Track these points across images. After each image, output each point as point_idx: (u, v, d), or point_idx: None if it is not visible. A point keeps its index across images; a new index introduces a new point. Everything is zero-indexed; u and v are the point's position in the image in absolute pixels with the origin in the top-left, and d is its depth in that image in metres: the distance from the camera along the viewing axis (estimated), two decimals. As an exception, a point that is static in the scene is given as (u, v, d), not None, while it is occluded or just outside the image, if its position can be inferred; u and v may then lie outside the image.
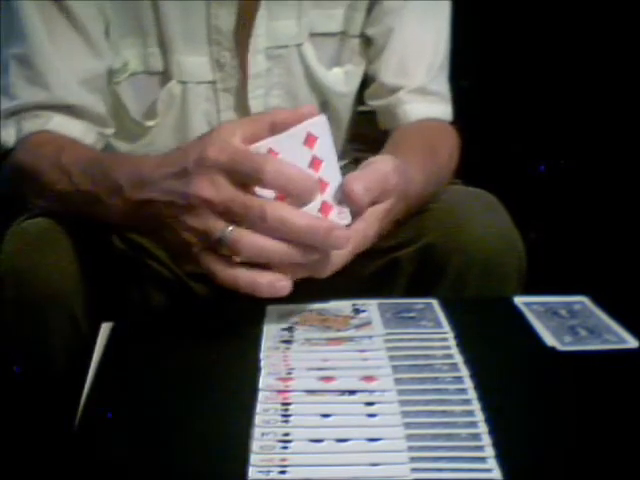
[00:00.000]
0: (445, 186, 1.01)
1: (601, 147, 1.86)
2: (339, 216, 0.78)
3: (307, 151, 0.77)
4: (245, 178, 0.75)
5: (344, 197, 0.77)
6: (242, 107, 1.05)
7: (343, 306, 0.85)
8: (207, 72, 1.03)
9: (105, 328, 0.83)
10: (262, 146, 0.76)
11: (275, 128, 0.76)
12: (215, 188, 0.75)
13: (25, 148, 0.97)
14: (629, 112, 1.85)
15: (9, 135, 0.98)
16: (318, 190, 0.77)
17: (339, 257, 0.79)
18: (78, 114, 0.99)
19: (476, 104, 1.10)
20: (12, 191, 0.99)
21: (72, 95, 0.99)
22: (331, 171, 0.78)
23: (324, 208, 0.78)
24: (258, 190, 0.76)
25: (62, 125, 0.98)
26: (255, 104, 1.05)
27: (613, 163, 1.84)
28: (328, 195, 0.78)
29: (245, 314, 0.85)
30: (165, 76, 1.03)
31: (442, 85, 1.11)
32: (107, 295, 0.91)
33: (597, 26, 1.85)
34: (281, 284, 0.77)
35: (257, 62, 1.04)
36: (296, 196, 0.76)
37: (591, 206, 1.81)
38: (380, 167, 0.82)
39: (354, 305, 0.85)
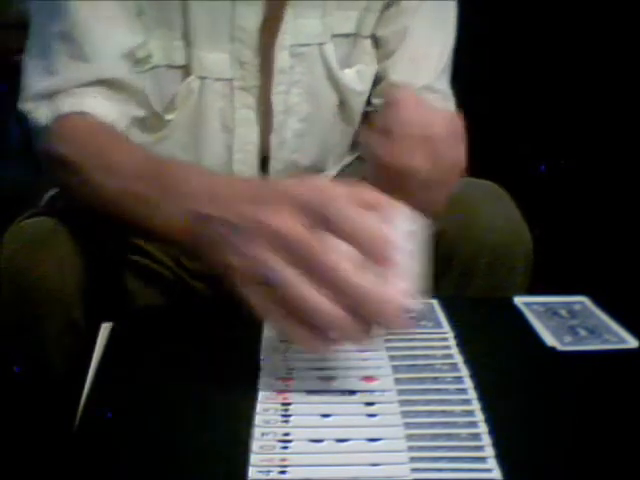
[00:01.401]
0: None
1: (601, 147, 1.86)
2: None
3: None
4: (323, 221, 0.69)
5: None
6: (258, 104, 1.05)
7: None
8: (226, 69, 1.03)
9: (105, 328, 0.83)
10: None
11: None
12: (285, 221, 0.69)
13: (61, 133, 0.94)
14: (629, 112, 1.85)
15: (42, 115, 0.96)
16: (390, 254, 0.68)
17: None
18: (116, 89, 0.98)
19: (476, 104, 1.10)
20: (53, 181, 0.99)
21: (114, 68, 0.98)
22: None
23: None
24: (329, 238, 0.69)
25: (95, 106, 0.96)
26: (277, 101, 1.05)
27: (613, 163, 1.84)
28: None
29: (245, 315, 0.85)
30: (186, 70, 1.03)
31: (445, 84, 1.12)
32: (107, 295, 0.91)
33: (598, 27, 1.85)
34: (314, 344, 0.70)
35: (282, 59, 1.05)
36: (366, 254, 0.68)
37: (591, 206, 1.81)
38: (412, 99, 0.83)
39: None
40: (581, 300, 0.88)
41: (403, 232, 0.69)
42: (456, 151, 0.84)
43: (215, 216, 0.74)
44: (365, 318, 0.68)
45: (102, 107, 0.96)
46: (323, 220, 0.68)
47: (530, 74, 1.91)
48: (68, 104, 0.96)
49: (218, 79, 1.03)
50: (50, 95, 0.96)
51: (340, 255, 0.68)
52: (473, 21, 1.11)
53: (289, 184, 0.71)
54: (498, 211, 0.97)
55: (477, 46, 1.11)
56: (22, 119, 1.00)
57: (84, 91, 0.96)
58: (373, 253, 0.68)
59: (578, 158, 1.86)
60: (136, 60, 1.01)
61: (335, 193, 0.70)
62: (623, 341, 0.81)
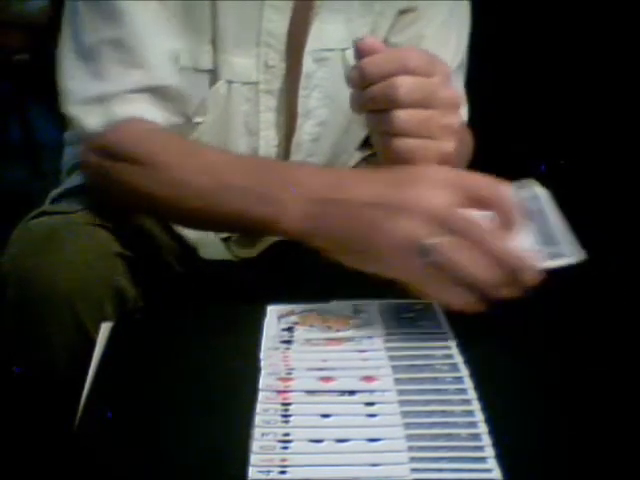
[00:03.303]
0: None
1: (601, 147, 1.86)
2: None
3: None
4: (473, 198, 0.76)
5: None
6: (281, 107, 1.06)
7: (343, 306, 0.85)
8: (253, 73, 1.04)
9: (105, 328, 0.83)
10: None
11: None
12: (438, 198, 0.76)
13: (126, 136, 0.95)
14: (629, 112, 1.85)
15: (93, 120, 0.96)
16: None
17: None
18: (167, 97, 0.98)
19: (476, 104, 1.10)
20: (90, 176, 0.98)
21: (164, 74, 0.98)
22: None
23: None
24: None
25: (149, 112, 0.97)
26: (299, 104, 1.06)
27: (613, 163, 1.84)
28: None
29: (245, 314, 0.85)
30: (213, 74, 1.03)
31: (458, 85, 1.11)
32: (115, 296, 0.91)
33: (598, 26, 1.85)
34: (474, 304, 0.77)
35: (307, 64, 1.05)
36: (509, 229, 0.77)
37: (591, 206, 1.81)
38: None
39: (354, 305, 0.85)
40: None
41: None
42: (443, 87, 0.82)
43: (342, 199, 0.79)
44: (511, 275, 0.75)
45: (150, 113, 0.97)
46: (473, 198, 0.76)
47: (530, 74, 1.91)
48: (122, 110, 0.96)
49: (245, 83, 1.04)
50: (101, 100, 0.96)
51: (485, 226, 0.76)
52: (475, 21, 1.11)
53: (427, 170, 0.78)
54: None
55: (477, 46, 1.11)
56: (66, 123, 1.00)
57: (135, 97, 0.97)
58: (513, 224, 0.76)
59: (578, 158, 1.86)
60: None
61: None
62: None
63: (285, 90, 1.05)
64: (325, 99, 1.08)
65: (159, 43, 0.98)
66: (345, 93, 1.08)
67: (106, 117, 0.96)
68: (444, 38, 1.09)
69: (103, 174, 0.95)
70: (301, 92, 1.06)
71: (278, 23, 1.02)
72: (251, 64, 1.03)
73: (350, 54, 1.06)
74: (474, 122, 1.08)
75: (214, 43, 1.02)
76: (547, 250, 0.78)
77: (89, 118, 0.96)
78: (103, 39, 0.97)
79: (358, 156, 1.17)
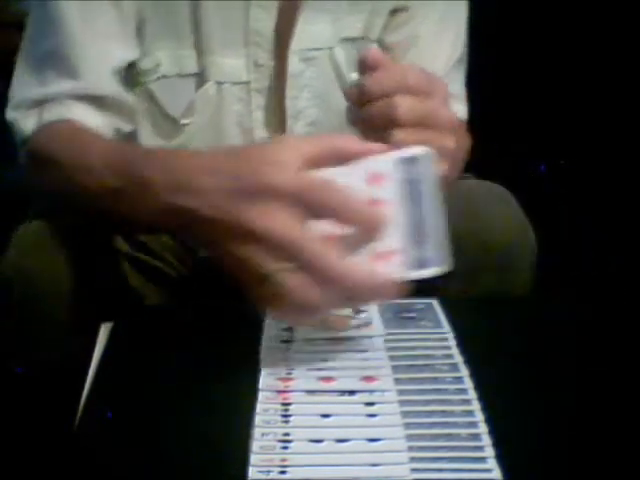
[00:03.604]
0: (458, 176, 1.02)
1: (601, 147, 1.86)
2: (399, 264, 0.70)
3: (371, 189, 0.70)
4: (312, 211, 0.71)
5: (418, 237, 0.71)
6: (273, 106, 1.06)
7: (343, 306, 0.85)
8: (243, 73, 1.04)
9: (105, 328, 0.83)
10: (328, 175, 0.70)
11: (340, 156, 0.72)
12: (276, 221, 0.70)
13: (45, 136, 0.96)
14: (629, 112, 1.85)
15: (29, 123, 0.98)
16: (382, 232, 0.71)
17: None
18: (104, 105, 0.99)
19: (476, 103, 1.10)
20: (29, 181, 0.99)
21: (103, 84, 0.99)
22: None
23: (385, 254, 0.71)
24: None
25: (82, 115, 0.97)
26: (290, 105, 1.06)
27: (614, 163, 1.84)
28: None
29: (245, 314, 0.85)
30: (200, 77, 1.04)
31: (457, 83, 1.11)
32: (108, 296, 0.91)
33: (598, 26, 1.85)
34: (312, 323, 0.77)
35: (294, 64, 1.05)
36: (360, 234, 0.71)
37: (591, 206, 1.81)
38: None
39: (354, 305, 0.85)
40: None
41: (398, 182, 0.70)
42: (441, 108, 0.79)
43: (187, 208, 0.74)
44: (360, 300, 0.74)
45: (88, 116, 0.98)
46: (311, 208, 0.70)
47: (530, 74, 1.91)
48: (55, 113, 0.97)
49: (235, 83, 1.04)
50: (39, 104, 0.98)
51: (329, 245, 0.70)
52: (475, 21, 1.11)
53: (266, 171, 0.71)
54: (503, 212, 0.98)
55: (476, 46, 1.11)
56: (7, 129, 1.01)
57: (71, 103, 0.98)
58: (366, 231, 0.71)
59: (578, 158, 1.86)
60: (144, 71, 1.02)
61: (315, 178, 0.71)
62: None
63: (275, 89, 1.05)
64: (315, 99, 1.08)
65: (100, 53, 0.99)
66: (335, 93, 1.08)
67: (40, 121, 0.97)
68: (440, 36, 1.09)
69: (32, 176, 0.97)
70: (289, 92, 1.06)
71: (265, 22, 1.02)
72: (241, 64, 1.04)
73: (339, 52, 1.07)
74: (474, 122, 1.08)
75: (197, 46, 1.02)
76: (412, 253, 0.70)
77: (26, 122, 0.98)
78: (44, 48, 0.99)
79: None
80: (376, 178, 0.71)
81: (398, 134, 0.77)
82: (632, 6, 1.83)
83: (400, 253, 0.70)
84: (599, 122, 1.87)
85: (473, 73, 1.14)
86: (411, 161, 0.71)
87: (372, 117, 0.78)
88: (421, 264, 0.70)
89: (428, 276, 0.71)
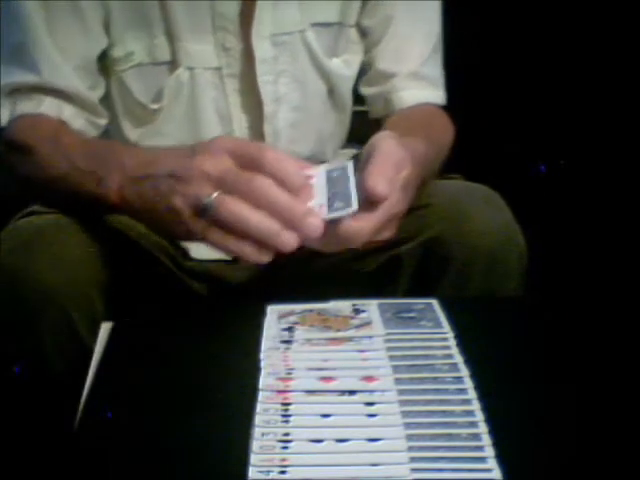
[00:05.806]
0: (444, 178, 1.04)
1: (601, 147, 1.86)
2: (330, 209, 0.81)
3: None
4: (247, 161, 0.80)
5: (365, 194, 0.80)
6: (249, 91, 1.08)
7: (343, 306, 0.85)
8: (213, 58, 1.06)
9: (105, 328, 0.83)
10: None
11: (259, 165, 0.81)
12: (216, 162, 0.81)
13: (20, 127, 1.00)
14: (629, 112, 1.85)
15: (3, 115, 1.01)
16: (306, 187, 0.82)
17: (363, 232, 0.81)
18: (68, 99, 1.02)
19: (476, 103, 1.11)
20: (7, 166, 1.01)
21: (63, 80, 1.02)
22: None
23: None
24: None
25: (53, 108, 1.01)
26: (265, 91, 1.08)
27: (614, 163, 1.84)
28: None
29: (245, 314, 0.85)
30: (172, 64, 1.06)
31: (435, 69, 1.15)
32: (105, 294, 0.91)
33: (597, 25, 1.85)
34: (263, 253, 0.81)
35: (263, 48, 1.07)
36: (288, 187, 0.80)
37: (591, 207, 1.81)
38: (387, 150, 0.84)
39: (354, 305, 0.85)
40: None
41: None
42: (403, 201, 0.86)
43: (148, 174, 0.85)
44: (293, 228, 0.79)
45: (58, 108, 1.02)
46: (246, 158, 0.81)
47: (530, 73, 1.91)
48: (27, 106, 1.01)
49: (207, 68, 1.06)
50: (9, 95, 1.01)
51: (262, 177, 0.80)
52: (474, 21, 1.11)
53: (211, 140, 0.83)
54: (492, 215, 0.97)
55: (475, 45, 1.12)
56: None
57: (41, 97, 1.01)
58: (292, 182, 0.80)
59: (578, 158, 1.85)
60: (115, 60, 1.05)
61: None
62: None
63: (247, 73, 1.07)
64: (294, 83, 1.10)
65: (61, 49, 1.02)
66: (313, 77, 1.10)
67: (13, 113, 1.01)
68: (415, 14, 1.12)
69: (7, 165, 1.00)
70: (263, 78, 1.07)
71: (230, 6, 1.04)
72: (210, 49, 1.06)
73: (310, 36, 1.09)
74: (473, 122, 1.08)
75: (167, 34, 1.04)
76: (332, 205, 0.81)
77: (2, 113, 1.01)
78: (10, 42, 1.03)
79: (349, 151, 1.17)
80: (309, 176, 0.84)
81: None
82: (630, 4, 1.83)
83: (320, 206, 0.81)
84: (598, 122, 1.87)
85: (473, 73, 1.14)
86: (338, 167, 0.85)
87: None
88: (334, 210, 0.81)
89: (339, 216, 0.80)
